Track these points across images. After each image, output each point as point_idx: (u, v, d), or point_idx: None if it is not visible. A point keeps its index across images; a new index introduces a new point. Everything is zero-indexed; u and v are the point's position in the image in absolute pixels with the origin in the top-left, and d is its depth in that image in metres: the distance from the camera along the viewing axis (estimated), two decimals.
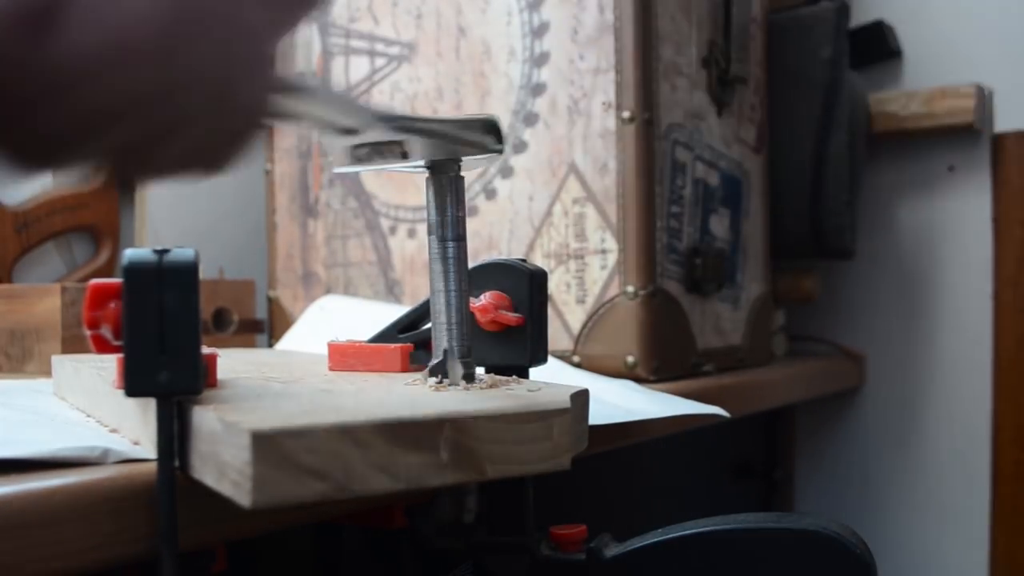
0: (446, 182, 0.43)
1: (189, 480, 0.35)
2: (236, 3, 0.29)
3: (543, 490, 0.51)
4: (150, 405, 0.36)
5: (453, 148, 0.42)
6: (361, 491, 0.32)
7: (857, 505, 1.24)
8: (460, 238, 0.44)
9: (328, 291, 0.92)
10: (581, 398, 0.42)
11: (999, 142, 1.13)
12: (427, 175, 0.44)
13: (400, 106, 0.88)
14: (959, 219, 1.17)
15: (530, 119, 0.80)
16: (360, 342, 0.51)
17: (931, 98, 1.14)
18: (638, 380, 0.73)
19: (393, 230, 0.88)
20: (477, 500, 0.51)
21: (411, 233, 0.87)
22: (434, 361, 0.43)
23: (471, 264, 0.47)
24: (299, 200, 0.95)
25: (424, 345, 0.50)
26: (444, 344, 0.43)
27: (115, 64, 0.27)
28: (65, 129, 0.28)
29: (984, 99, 1.13)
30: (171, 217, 1.09)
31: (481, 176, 0.83)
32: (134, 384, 0.33)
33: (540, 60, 0.80)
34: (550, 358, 0.51)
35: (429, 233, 0.44)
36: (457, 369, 0.43)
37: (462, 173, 0.44)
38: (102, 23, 0.26)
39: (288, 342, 0.84)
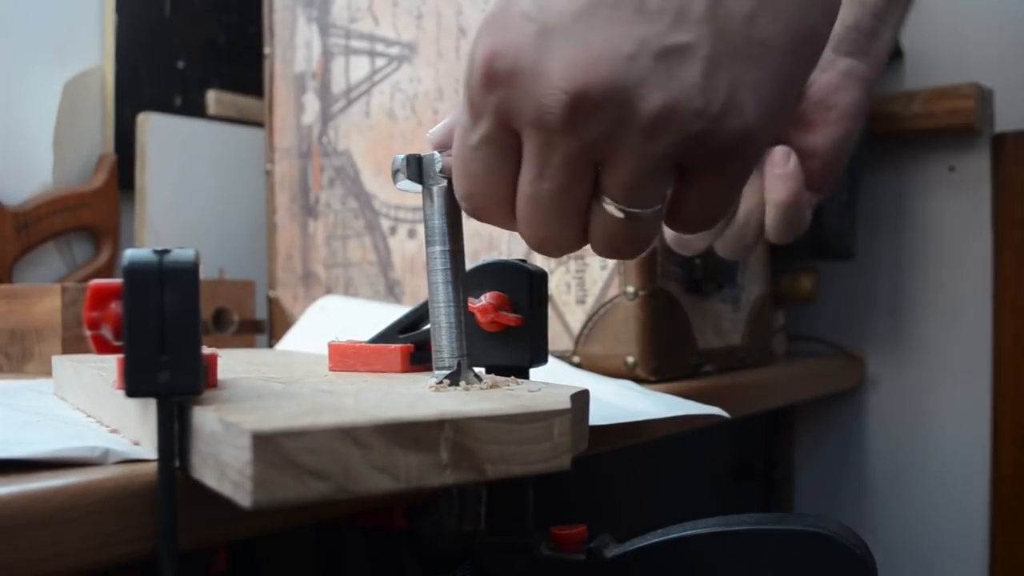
0: (444, 193, 0.43)
1: (189, 480, 0.35)
2: None
3: (543, 490, 0.51)
4: (150, 405, 0.36)
5: None
6: (361, 491, 0.32)
7: (857, 505, 1.24)
8: (459, 249, 0.44)
9: (328, 291, 0.92)
10: (581, 398, 0.42)
11: (999, 142, 1.13)
12: (423, 186, 0.44)
13: (400, 106, 0.88)
14: (959, 219, 1.17)
15: None
16: (360, 342, 0.51)
17: (931, 98, 1.14)
18: (638, 380, 0.73)
19: (393, 230, 0.88)
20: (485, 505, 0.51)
21: (411, 233, 0.87)
22: (436, 374, 0.43)
23: (471, 264, 0.47)
24: (299, 200, 0.95)
25: (424, 345, 0.50)
26: (445, 354, 0.43)
27: None
28: None
29: (984, 99, 1.13)
30: (171, 217, 1.09)
31: None
32: (134, 384, 0.33)
33: None
34: (550, 358, 0.52)
35: (428, 244, 0.44)
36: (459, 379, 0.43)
37: None
38: None
39: (288, 342, 0.84)
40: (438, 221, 0.44)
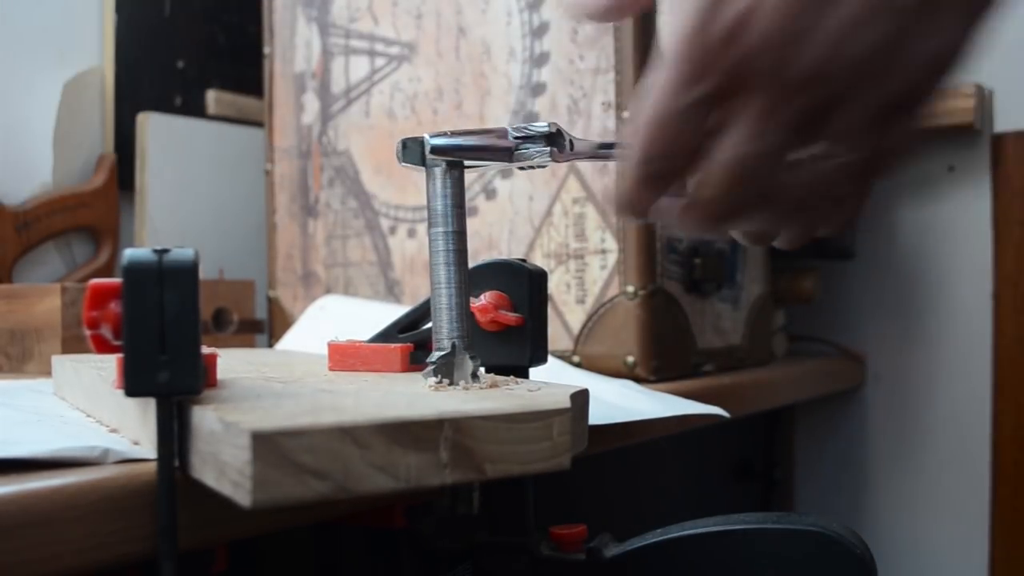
0: (448, 175, 0.43)
1: (189, 480, 0.35)
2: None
3: (543, 490, 0.51)
4: (150, 405, 0.36)
5: None
6: (361, 491, 0.32)
7: (857, 505, 1.24)
8: (461, 231, 0.44)
9: (328, 291, 0.92)
10: (581, 398, 0.42)
11: (999, 142, 1.13)
12: (426, 169, 0.44)
13: (400, 106, 0.88)
14: (959, 219, 1.17)
15: (530, 119, 0.80)
16: (360, 342, 0.51)
17: None
18: (638, 380, 0.73)
19: (393, 230, 0.88)
20: (479, 498, 0.51)
21: (411, 233, 0.87)
22: (435, 355, 0.43)
23: (471, 264, 0.47)
24: (299, 200, 0.95)
25: (424, 345, 0.50)
26: (445, 337, 0.43)
27: None
28: None
29: (984, 99, 1.13)
30: (171, 217, 1.09)
31: (481, 176, 0.83)
32: (134, 384, 0.33)
33: (540, 60, 0.80)
34: (550, 358, 0.51)
35: (430, 226, 0.44)
36: (463, 364, 0.43)
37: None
38: None
39: (288, 342, 0.84)
40: (440, 202, 0.44)
